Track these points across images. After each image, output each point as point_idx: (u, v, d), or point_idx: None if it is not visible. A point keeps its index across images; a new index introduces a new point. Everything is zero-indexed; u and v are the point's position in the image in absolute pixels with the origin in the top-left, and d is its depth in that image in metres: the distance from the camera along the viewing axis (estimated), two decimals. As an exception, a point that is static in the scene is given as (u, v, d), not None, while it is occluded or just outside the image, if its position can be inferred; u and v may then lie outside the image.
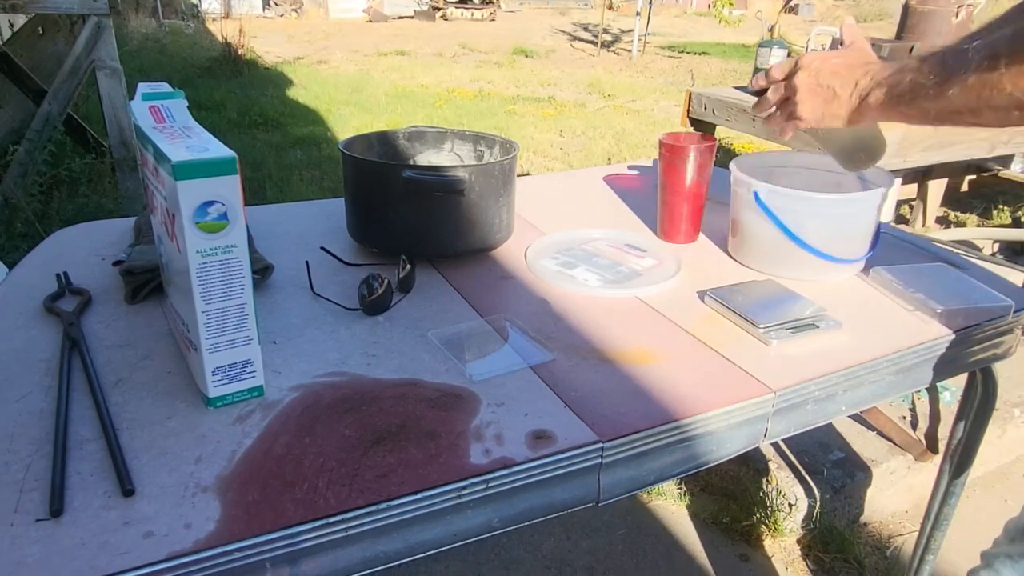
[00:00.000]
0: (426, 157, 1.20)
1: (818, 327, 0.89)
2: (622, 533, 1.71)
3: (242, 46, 7.34)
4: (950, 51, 0.70)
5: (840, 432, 1.87)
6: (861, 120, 0.84)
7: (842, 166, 1.02)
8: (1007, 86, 0.63)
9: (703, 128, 2.75)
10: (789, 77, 0.89)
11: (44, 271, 0.97)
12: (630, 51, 9.73)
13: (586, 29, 12.32)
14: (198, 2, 12.03)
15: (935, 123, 0.74)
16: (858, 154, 1.00)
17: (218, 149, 0.64)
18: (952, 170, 2.98)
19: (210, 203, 0.62)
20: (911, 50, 2.43)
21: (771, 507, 1.71)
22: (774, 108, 0.93)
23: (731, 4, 10.85)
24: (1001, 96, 0.64)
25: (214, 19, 10.81)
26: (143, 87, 0.74)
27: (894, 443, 1.83)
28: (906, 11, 2.74)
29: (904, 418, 1.90)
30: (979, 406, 1.08)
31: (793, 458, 1.79)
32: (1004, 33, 0.64)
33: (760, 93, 0.94)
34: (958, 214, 3.47)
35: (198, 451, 0.64)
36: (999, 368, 1.04)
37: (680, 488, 1.83)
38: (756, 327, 0.87)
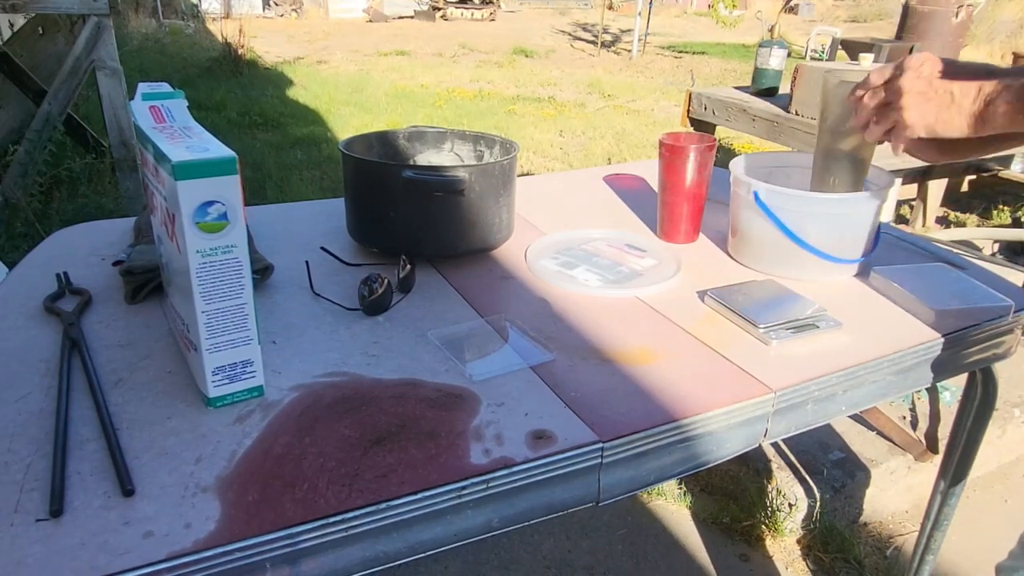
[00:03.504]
0: (426, 157, 1.20)
1: (818, 327, 0.89)
2: (622, 533, 1.71)
3: (242, 46, 7.34)
4: None
5: (840, 432, 1.87)
6: (983, 129, 0.78)
7: (816, 182, 1.05)
8: None
9: (703, 128, 2.75)
10: (891, 81, 0.83)
11: (44, 271, 0.97)
12: (630, 51, 9.73)
13: (586, 29, 12.32)
14: (198, 2, 12.03)
15: None
16: (835, 179, 1.02)
17: (218, 149, 0.64)
18: (952, 170, 2.98)
19: (210, 203, 0.62)
20: (911, 50, 2.43)
21: (771, 507, 1.71)
22: (873, 117, 0.86)
23: (733, 5, 10.83)
24: None
25: (214, 19, 10.81)
26: (143, 87, 0.74)
27: (894, 443, 1.83)
28: (906, 11, 2.74)
29: (904, 418, 1.90)
30: (979, 406, 1.08)
31: (793, 458, 1.79)
32: None
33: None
34: (958, 214, 3.47)
35: (198, 451, 0.64)
36: (999, 368, 1.04)
37: (680, 488, 1.83)
38: (756, 327, 0.87)
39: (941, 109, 0.79)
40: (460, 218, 1.00)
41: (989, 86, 0.76)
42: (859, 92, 0.88)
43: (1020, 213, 3.46)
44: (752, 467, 1.80)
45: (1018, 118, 0.75)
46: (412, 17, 13.19)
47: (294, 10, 13.02)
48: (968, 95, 0.77)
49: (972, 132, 0.79)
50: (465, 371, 0.78)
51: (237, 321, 0.67)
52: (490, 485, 0.63)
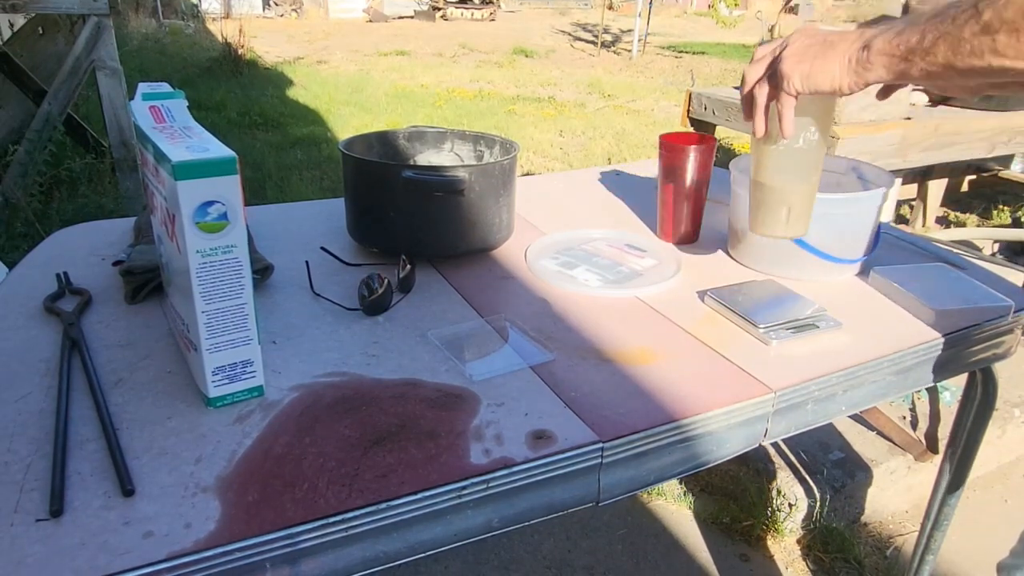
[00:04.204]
0: (426, 157, 1.20)
1: (818, 327, 0.89)
2: (622, 533, 1.71)
3: (242, 46, 7.34)
4: (942, 10, 0.66)
5: (840, 432, 1.87)
6: (865, 75, 0.73)
7: (761, 218, 0.92)
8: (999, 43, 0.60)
9: (703, 128, 2.75)
10: (779, 47, 0.81)
11: (44, 271, 0.97)
12: (630, 51, 9.73)
13: (586, 29, 12.32)
14: (198, 2, 12.04)
15: (933, 80, 0.69)
16: (788, 210, 0.90)
17: (218, 149, 0.64)
18: (952, 170, 2.98)
19: (210, 203, 0.62)
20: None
21: (771, 507, 1.71)
22: (761, 81, 0.83)
23: (735, 3, 10.81)
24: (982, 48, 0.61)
25: (214, 19, 10.82)
26: (143, 87, 0.74)
27: (894, 443, 1.83)
28: (906, 11, 2.74)
29: (904, 418, 1.90)
30: (979, 406, 1.08)
31: (793, 458, 1.79)
32: None
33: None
34: (958, 214, 3.47)
35: (198, 451, 0.64)
36: (999, 368, 1.04)
37: (680, 488, 1.83)
38: (756, 327, 0.87)
39: (817, 56, 0.76)
40: (460, 218, 1.00)
41: (873, 30, 0.72)
42: (747, 70, 0.85)
43: (1020, 213, 3.46)
44: (752, 467, 1.80)
45: (893, 62, 0.70)
46: (412, 17, 13.20)
47: (294, 10, 13.03)
48: (847, 39, 0.74)
49: (851, 80, 0.75)
50: (465, 371, 0.78)
51: (237, 321, 0.67)
52: (490, 485, 0.63)
